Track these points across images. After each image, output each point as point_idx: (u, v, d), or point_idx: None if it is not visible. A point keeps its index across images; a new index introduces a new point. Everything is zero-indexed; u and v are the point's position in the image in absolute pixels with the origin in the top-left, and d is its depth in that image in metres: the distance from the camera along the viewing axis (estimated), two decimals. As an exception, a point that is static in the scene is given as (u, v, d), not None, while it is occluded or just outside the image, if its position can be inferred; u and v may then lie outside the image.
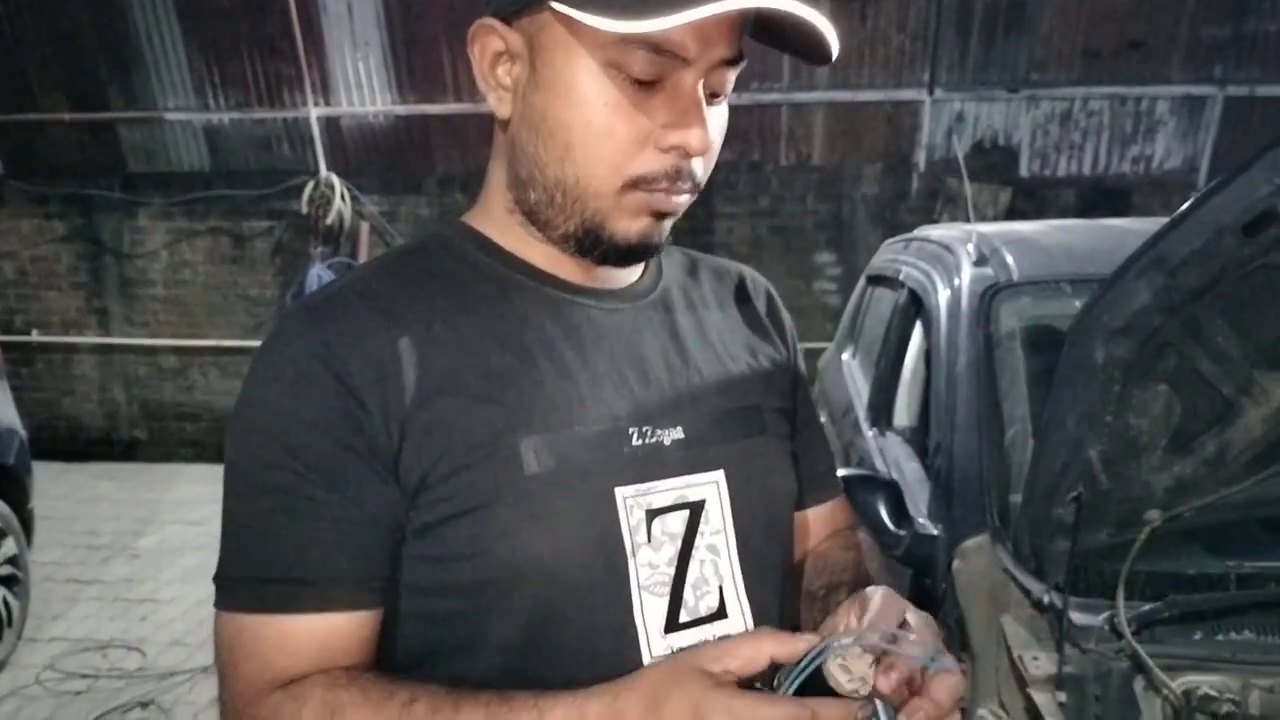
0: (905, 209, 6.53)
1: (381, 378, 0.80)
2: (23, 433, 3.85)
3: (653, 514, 0.86)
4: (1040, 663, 1.51)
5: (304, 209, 6.45)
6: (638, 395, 0.89)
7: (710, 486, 0.90)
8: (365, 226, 6.64)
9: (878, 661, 0.73)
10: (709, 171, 0.88)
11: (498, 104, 0.88)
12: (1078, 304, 2.23)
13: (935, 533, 1.88)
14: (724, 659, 0.73)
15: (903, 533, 1.90)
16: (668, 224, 0.88)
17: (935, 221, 6.31)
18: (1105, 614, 1.53)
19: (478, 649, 0.82)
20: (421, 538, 0.81)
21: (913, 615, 0.80)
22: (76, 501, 5.93)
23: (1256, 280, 1.31)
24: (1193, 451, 1.47)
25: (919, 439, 2.60)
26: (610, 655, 0.82)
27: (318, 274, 6.50)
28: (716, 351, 0.99)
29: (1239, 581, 1.60)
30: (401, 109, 6.39)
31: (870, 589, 0.84)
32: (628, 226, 0.85)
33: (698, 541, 0.88)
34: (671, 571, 0.86)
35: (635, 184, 0.83)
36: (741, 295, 1.09)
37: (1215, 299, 1.33)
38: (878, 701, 0.72)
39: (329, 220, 6.45)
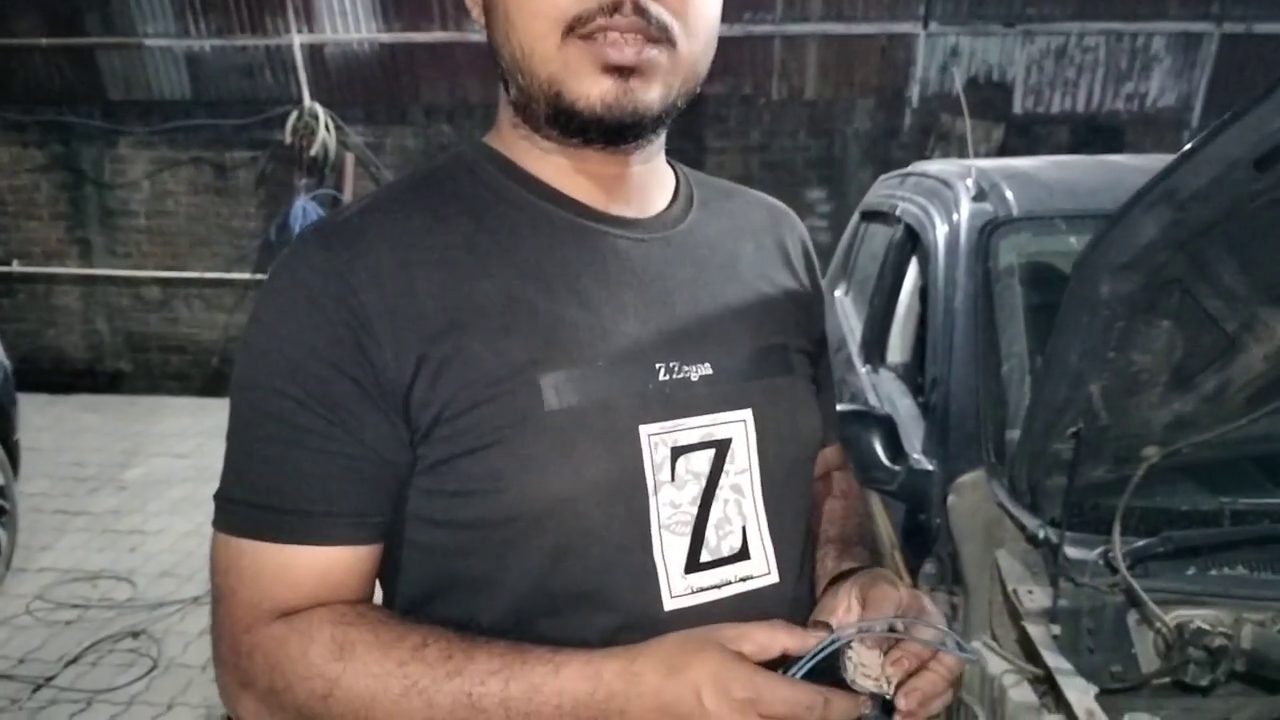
0: (898, 145, 6.48)
1: (397, 308, 0.77)
2: (7, 364, 3.81)
3: (678, 451, 0.84)
4: (1035, 596, 1.53)
5: (288, 139, 6.36)
6: (665, 330, 0.86)
7: (738, 425, 0.88)
8: (350, 158, 6.55)
9: (886, 653, 0.74)
10: (687, 23, 0.80)
11: (475, 15, 0.86)
12: (1074, 240, 2.23)
13: (930, 468, 1.89)
14: (740, 640, 0.74)
15: (897, 468, 1.90)
16: (642, 86, 0.79)
17: (928, 158, 6.26)
18: (1100, 549, 1.54)
19: (494, 585, 0.81)
20: (435, 472, 0.79)
21: (907, 595, 0.81)
22: (61, 433, 5.91)
23: (1264, 216, 1.29)
24: (1193, 388, 1.47)
25: (913, 375, 2.60)
26: (629, 593, 0.82)
27: (302, 206, 6.43)
28: (746, 286, 0.96)
29: (1233, 518, 1.61)
30: (387, 37, 6.27)
31: (866, 575, 0.86)
32: (587, 90, 0.78)
33: (722, 481, 0.86)
34: (694, 511, 0.84)
35: (572, 29, 0.76)
36: (776, 231, 1.06)
37: (1222, 235, 1.31)
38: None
39: (313, 151, 6.36)
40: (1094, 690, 1.31)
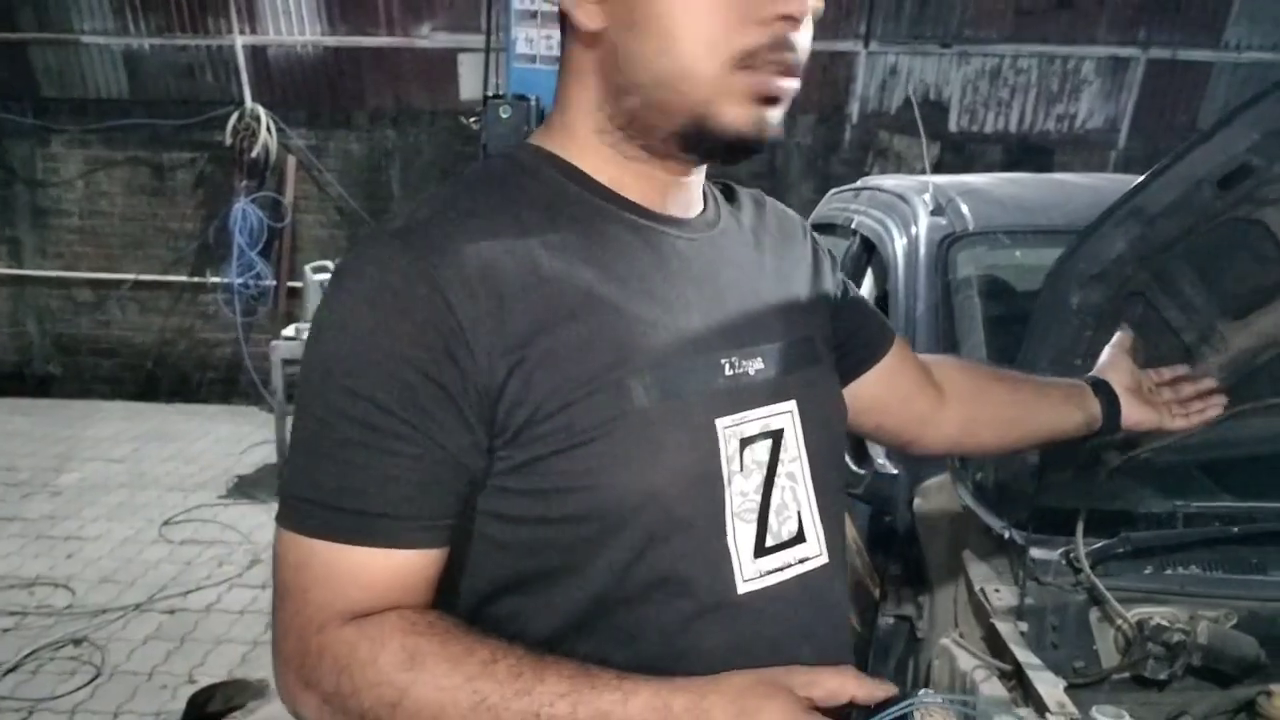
0: (838, 160, 6.62)
1: (487, 313, 0.77)
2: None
3: (745, 442, 0.88)
4: (1002, 595, 1.58)
5: (228, 141, 6.26)
6: (724, 326, 0.90)
7: (787, 416, 0.93)
8: (292, 160, 6.48)
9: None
10: (806, 55, 0.86)
11: (586, 18, 0.85)
12: (1021, 254, 2.32)
13: (895, 472, 1.94)
14: (810, 687, 0.77)
15: (863, 472, 1.95)
16: (777, 114, 0.85)
17: (867, 173, 6.39)
18: (1062, 549, 1.61)
19: (574, 576, 0.82)
20: (522, 471, 0.80)
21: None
22: (-11, 438, 5.75)
23: (1225, 233, 1.38)
24: (1153, 395, 1.54)
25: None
26: (706, 578, 0.85)
27: (242, 208, 6.35)
28: (774, 281, 1.01)
29: (1185, 520, 1.68)
30: (331, 40, 6.23)
31: None
32: (737, 115, 0.83)
33: (779, 469, 0.91)
34: (759, 498, 0.89)
35: (741, 62, 0.81)
36: (781, 218, 1.11)
37: (1185, 250, 1.39)
38: None
39: (254, 153, 6.28)
40: (1063, 684, 1.37)
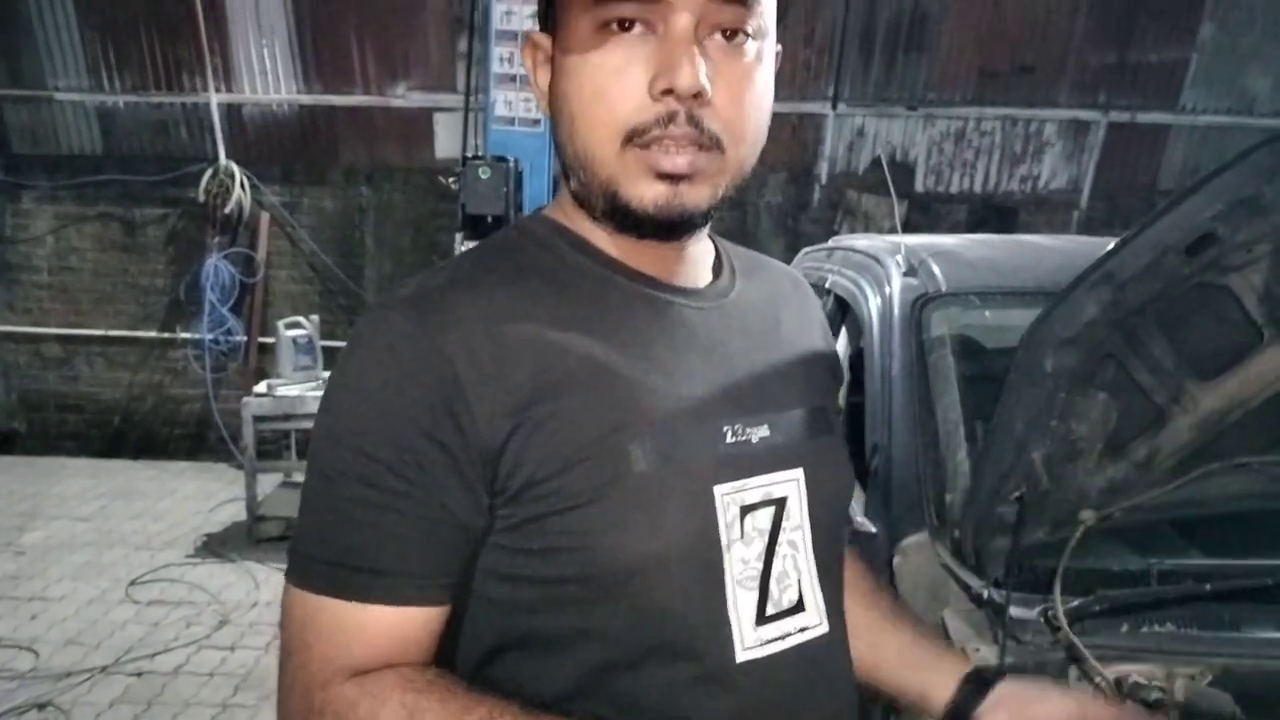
0: (807, 219, 6.72)
1: (490, 377, 0.80)
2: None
3: (745, 510, 0.89)
4: (982, 653, 1.59)
5: (201, 197, 6.27)
6: (729, 394, 0.92)
7: (792, 484, 0.94)
8: (265, 217, 6.49)
9: None
10: (741, 129, 0.85)
11: (543, 108, 0.91)
12: (989, 315, 2.37)
13: (874, 530, 1.96)
14: None
15: (842, 531, 1.97)
16: (691, 190, 0.84)
17: (836, 232, 6.49)
18: (1039, 607, 1.63)
19: (575, 639, 0.84)
20: (520, 530, 0.82)
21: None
22: (-50, 495, 5.64)
23: (1192, 297, 1.42)
24: (1125, 455, 1.58)
25: (846, 439, 2.68)
26: (706, 645, 0.85)
27: (214, 264, 6.34)
28: (789, 351, 1.02)
29: (1159, 578, 1.71)
30: (307, 98, 6.28)
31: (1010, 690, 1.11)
32: (641, 193, 0.84)
33: (781, 537, 0.92)
34: (760, 566, 0.90)
35: (632, 140, 0.82)
36: (800, 298, 1.13)
37: (1154, 314, 1.43)
38: None
39: (227, 209, 6.28)
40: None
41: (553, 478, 0.80)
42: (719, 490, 0.87)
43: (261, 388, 5.20)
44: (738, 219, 6.65)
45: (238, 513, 5.38)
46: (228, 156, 6.33)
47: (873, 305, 2.46)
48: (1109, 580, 1.71)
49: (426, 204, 6.52)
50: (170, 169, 6.38)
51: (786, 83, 6.37)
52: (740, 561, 0.88)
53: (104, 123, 6.34)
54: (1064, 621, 1.56)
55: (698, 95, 0.80)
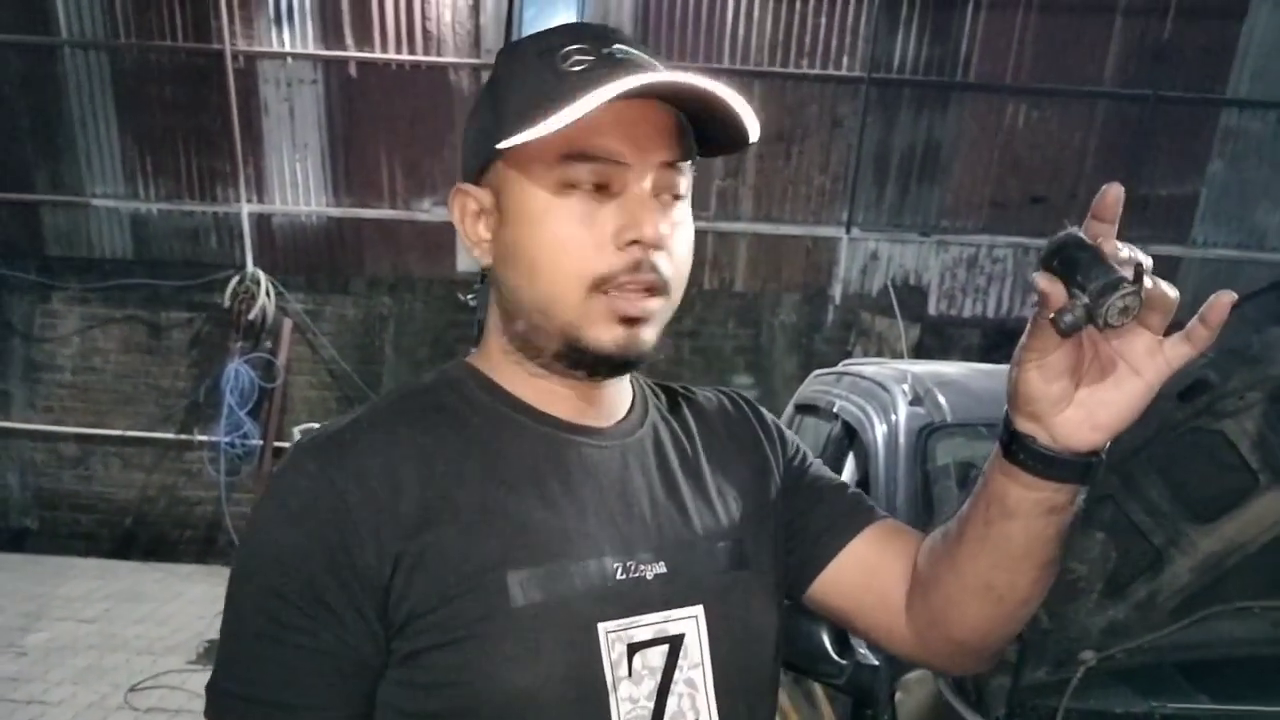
0: (821, 338, 6.80)
1: (379, 510, 0.84)
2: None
3: (634, 648, 0.88)
4: (983, 794, 1.58)
5: (226, 303, 6.40)
6: (622, 529, 0.92)
7: (689, 621, 0.92)
8: (288, 323, 6.60)
9: None
10: (680, 277, 0.92)
11: (481, 255, 0.95)
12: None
13: (876, 663, 1.95)
14: None
15: (845, 662, 1.95)
16: (647, 331, 0.90)
17: (849, 353, 6.56)
18: (1041, 749, 1.61)
19: None
20: (407, 664, 0.84)
21: None
22: (-42, 592, 5.63)
23: (1187, 441, 1.45)
24: (1125, 597, 1.58)
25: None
26: None
27: (235, 369, 6.43)
28: (702, 485, 1.01)
29: (1162, 721, 1.70)
30: (335, 210, 6.46)
31: None
32: (600, 335, 0.88)
33: (676, 675, 0.90)
34: (651, 705, 0.89)
35: (598, 287, 0.87)
36: (728, 419, 1.12)
37: (1150, 456, 1.46)
38: None
39: (251, 315, 6.40)
40: None
41: (432, 611, 0.83)
42: (603, 627, 0.87)
43: (273, 493, 5.20)
44: (751, 335, 6.74)
45: (242, 618, 5.30)
46: (255, 264, 6.47)
47: (878, 432, 2.49)
48: (1112, 722, 1.70)
49: (446, 314, 6.64)
50: (198, 274, 6.54)
51: (801, 206, 6.53)
52: (628, 700, 0.88)
53: (136, 229, 6.52)
54: (1065, 764, 1.55)
55: (657, 245, 0.87)
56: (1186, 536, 1.52)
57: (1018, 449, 0.83)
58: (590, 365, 0.92)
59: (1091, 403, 0.80)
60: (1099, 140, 6.48)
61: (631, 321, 0.89)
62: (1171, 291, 0.75)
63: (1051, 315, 0.74)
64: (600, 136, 0.86)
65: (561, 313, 0.89)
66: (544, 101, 0.84)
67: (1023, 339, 0.80)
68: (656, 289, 0.89)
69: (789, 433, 1.16)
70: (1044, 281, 0.74)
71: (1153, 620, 1.60)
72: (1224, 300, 0.74)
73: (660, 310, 0.91)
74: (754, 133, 0.90)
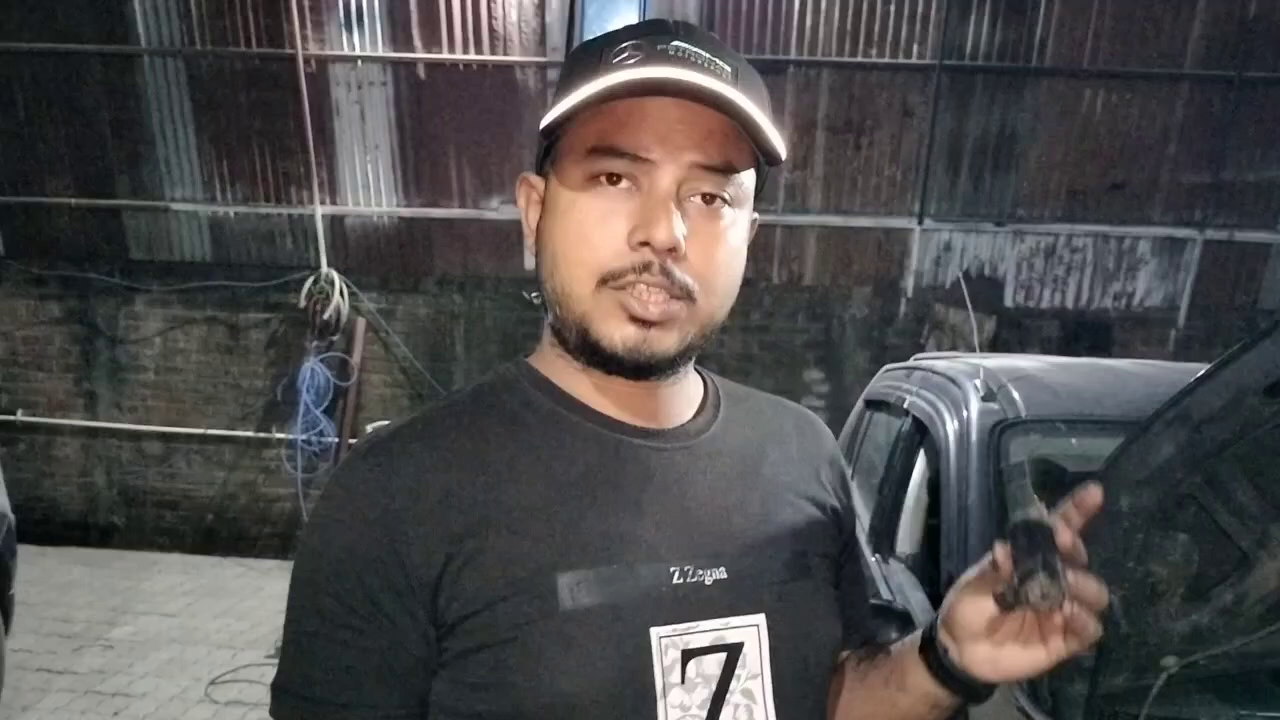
0: (893, 332, 6.69)
1: (429, 511, 0.84)
2: (11, 517, 3.79)
3: (689, 654, 0.87)
4: (1058, 804, 1.53)
5: (302, 303, 6.52)
6: (681, 534, 0.90)
7: (750, 630, 0.90)
8: (361, 323, 6.70)
9: None
10: (708, 282, 0.89)
11: (529, 253, 0.97)
12: (1075, 442, 2.31)
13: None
14: None
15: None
16: (660, 335, 0.89)
17: (923, 346, 6.45)
18: (1121, 758, 1.56)
19: None
20: (457, 664, 0.84)
21: None
22: (49, 587, 5.82)
23: (1275, 439, 1.38)
24: (1209, 601, 1.52)
25: (923, 567, 2.63)
26: None
27: (311, 368, 6.55)
28: (767, 494, 0.99)
29: (1251, 731, 1.63)
30: (406, 211, 6.53)
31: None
32: (610, 332, 0.88)
33: (733, 685, 0.88)
34: (704, 714, 0.87)
35: (608, 282, 0.87)
36: (802, 439, 1.10)
37: (1235, 455, 1.39)
38: None
39: (326, 315, 6.51)
40: None
41: (480, 611, 0.83)
42: (656, 632, 0.85)
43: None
44: (821, 330, 6.66)
45: (319, 613, 5.40)
46: (329, 265, 6.58)
47: (949, 429, 2.43)
48: (1197, 731, 1.63)
49: (515, 312, 6.68)
50: (274, 276, 6.67)
51: (871, 198, 6.43)
52: (679, 708, 0.86)
53: (214, 232, 6.67)
54: (1146, 775, 1.49)
55: (672, 250, 0.85)
56: (1275, 538, 1.45)
57: (931, 652, 0.94)
58: (605, 363, 0.91)
59: (1002, 650, 0.88)
60: (1181, 124, 6.25)
61: (644, 323, 0.88)
62: (1100, 592, 0.85)
63: (999, 588, 0.83)
64: (628, 132, 0.86)
65: (576, 304, 0.90)
66: (573, 88, 0.85)
67: (971, 574, 0.91)
68: (674, 293, 0.87)
69: (853, 488, 1.16)
70: (999, 554, 0.85)
71: (1239, 625, 1.53)
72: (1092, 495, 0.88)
73: (683, 316, 0.89)
74: (781, 151, 0.89)
